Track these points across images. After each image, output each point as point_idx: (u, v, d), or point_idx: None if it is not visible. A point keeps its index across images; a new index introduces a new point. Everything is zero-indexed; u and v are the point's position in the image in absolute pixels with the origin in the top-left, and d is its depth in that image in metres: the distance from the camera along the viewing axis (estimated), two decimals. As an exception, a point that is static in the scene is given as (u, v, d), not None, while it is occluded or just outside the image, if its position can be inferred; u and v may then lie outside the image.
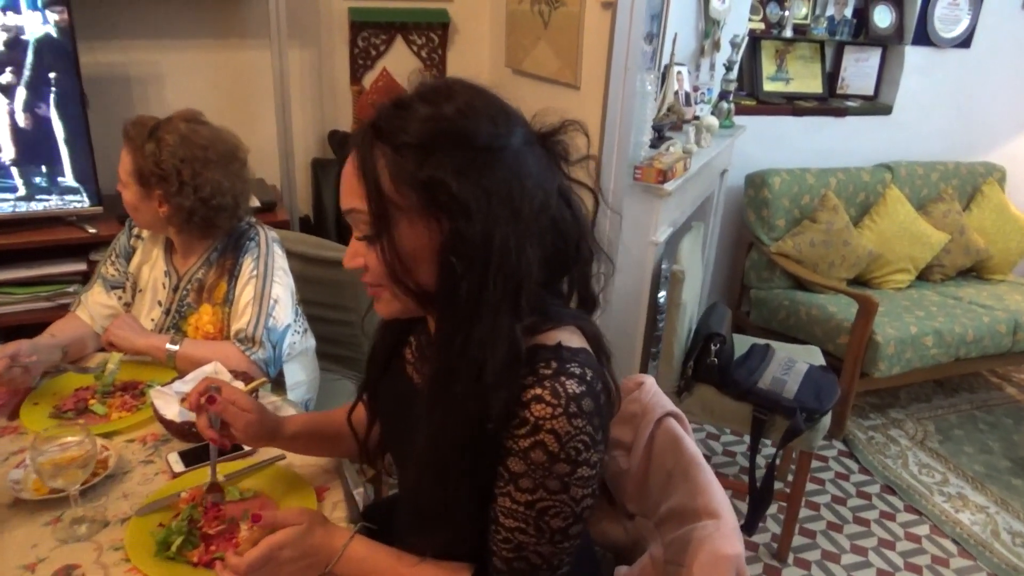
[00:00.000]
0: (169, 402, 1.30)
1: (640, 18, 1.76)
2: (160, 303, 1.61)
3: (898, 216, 3.25)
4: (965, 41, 3.47)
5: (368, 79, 2.61)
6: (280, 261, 1.58)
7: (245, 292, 1.52)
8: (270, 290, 1.53)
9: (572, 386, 0.82)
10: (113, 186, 1.57)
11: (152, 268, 1.63)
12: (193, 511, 1.08)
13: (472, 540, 0.92)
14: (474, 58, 2.70)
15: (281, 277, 1.57)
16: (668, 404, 1.31)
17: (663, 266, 2.31)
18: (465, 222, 0.80)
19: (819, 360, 2.41)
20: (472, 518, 0.91)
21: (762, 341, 2.35)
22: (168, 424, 1.27)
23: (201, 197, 1.46)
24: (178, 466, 1.21)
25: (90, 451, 1.06)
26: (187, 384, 1.36)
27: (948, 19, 3.40)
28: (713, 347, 2.08)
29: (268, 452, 1.24)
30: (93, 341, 1.58)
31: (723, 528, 1.04)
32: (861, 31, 3.37)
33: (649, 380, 1.36)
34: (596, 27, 1.87)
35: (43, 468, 1.04)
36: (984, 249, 3.39)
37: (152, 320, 1.60)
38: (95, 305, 1.62)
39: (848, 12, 3.34)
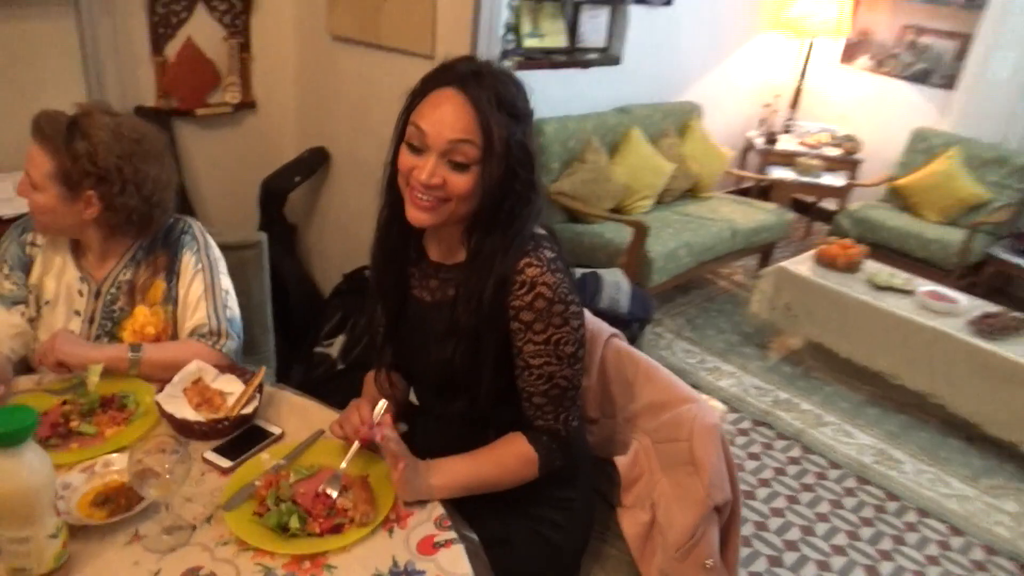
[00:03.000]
0: (180, 405, 1.30)
1: (502, -5, 1.99)
2: (78, 312, 1.49)
3: (639, 151, 3.89)
4: (669, 0, 4.18)
5: (171, 49, 2.43)
6: (217, 251, 1.57)
7: (193, 287, 1.50)
8: (220, 281, 1.53)
9: (547, 253, 1.21)
10: None
11: (59, 277, 1.49)
12: (278, 493, 1.15)
13: (487, 402, 1.26)
14: (278, 25, 2.64)
15: (223, 267, 1.56)
16: (608, 328, 1.63)
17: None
18: (530, 171, 1.20)
19: (624, 279, 2.91)
20: (490, 383, 1.24)
21: (588, 269, 2.78)
22: (187, 425, 1.27)
23: (144, 195, 1.40)
24: (224, 462, 1.23)
25: (187, 463, 1.07)
26: (176, 387, 1.35)
27: (656, -18, 4.06)
28: (563, 279, 2.43)
29: (308, 431, 1.32)
30: (8, 365, 1.43)
31: (703, 407, 1.41)
32: (595, -8, 3.88)
33: (585, 310, 1.67)
34: (453, 2, 2.04)
35: (138, 478, 1.04)
36: (696, 173, 4.21)
37: (72, 332, 1.48)
38: (-2, 325, 1.45)
39: (582, -26, 3.83)
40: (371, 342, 1.46)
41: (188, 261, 1.51)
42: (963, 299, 3.20)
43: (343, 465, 1.20)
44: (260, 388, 1.37)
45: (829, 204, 5.13)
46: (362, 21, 2.33)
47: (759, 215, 4.04)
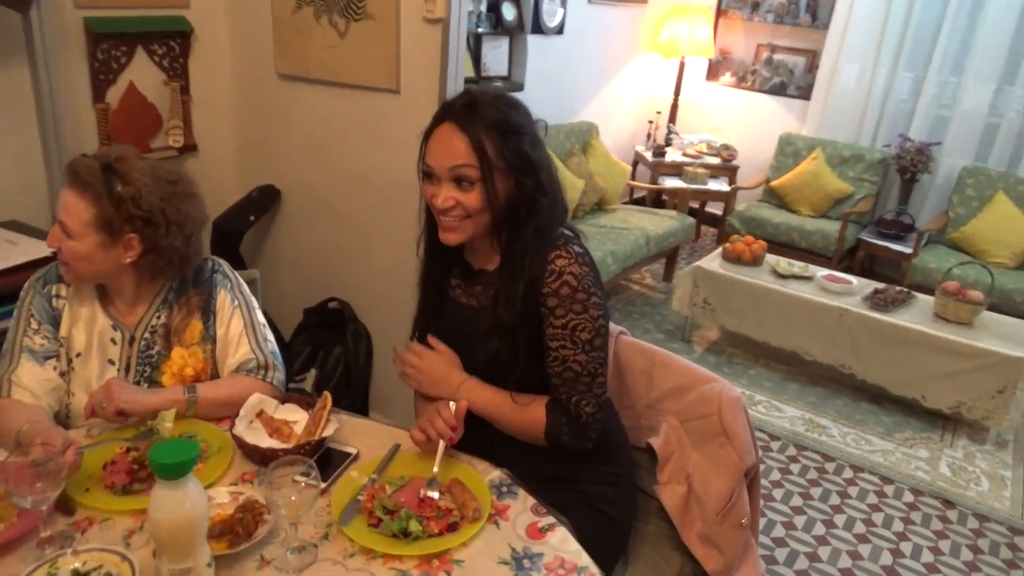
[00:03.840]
0: (260, 436, 1.33)
1: (464, 28, 2.11)
2: (112, 361, 1.47)
3: (553, 170, 4.11)
4: (561, 29, 4.46)
5: (113, 95, 2.37)
6: (247, 287, 1.58)
7: (233, 325, 1.51)
8: (256, 316, 1.55)
9: (575, 248, 1.36)
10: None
11: (88, 328, 1.46)
12: (386, 501, 1.21)
13: (520, 388, 1.40)
14: (217, 67, 2.63)
15: (256, 302, 1.58)
16: (616, 326, 1.78)
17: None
18: (534, 176, 1.32)
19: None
20: (524, 370, 1.37)
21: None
22: (272, 454, 1.29)
23: (185, 235, 1.42)
24: (320, 483, 1.27)
25: (317, 484, 1.11)
26: (244, 420, 1.38)
27: (550, 12, 4.32)
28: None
29: (378, 447, 1.38)
30: (55, 423, 1.39)
31: (723, 382, 1.59)
32: (497, 24, 4.08)
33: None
34: (418, 39, 2.14)
35: (275, 500, 1.07)
36: (602, 187, 4.48)
37: (123, 381, 1.45)
38: (35, 382, 1.40)
39: (483, 8, 4.02)
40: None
41: (224, 299, 1.52)
42: (855, 280, 3.63)
43: (436, 468, 1.28)
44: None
45: (713, 208, 5.59)
46: (314, 60, 2.38)
47: (666, 222, 4.36)
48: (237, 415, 1.37)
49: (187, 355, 1.49)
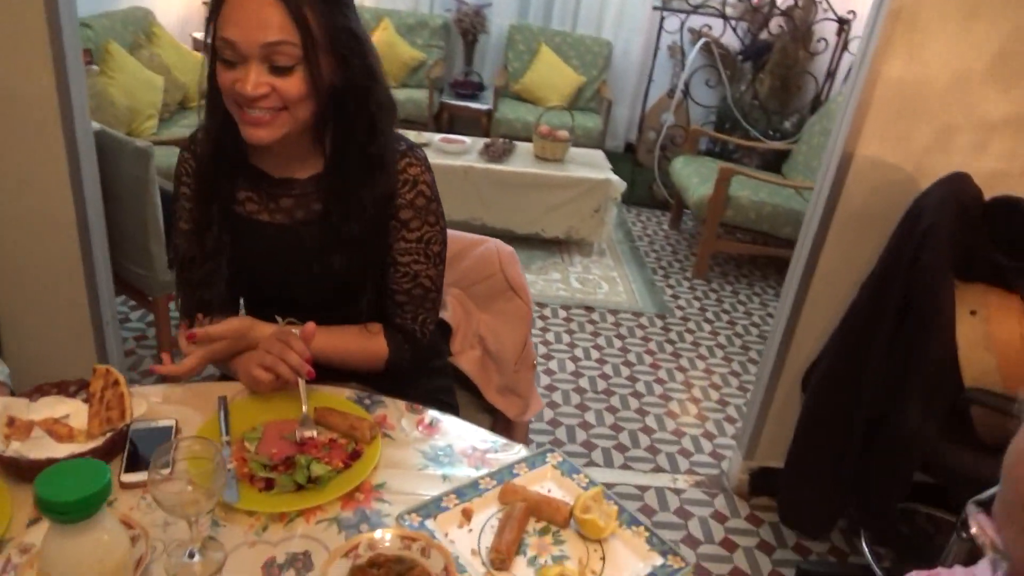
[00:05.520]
0: (47, 445, 0.99)
1: None
2: None
3: (127, 68, 3.47)
4: None
5: None
6: None
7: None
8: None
9: (420, 153, 1.24)
10: None
11: None
12: (261, 459, 1.03)
13: (370, 310, 1.26)
14: None
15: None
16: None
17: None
18: (361, 58, 1.12)
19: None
20: (374, 290, 1.25)
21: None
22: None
23: None
24: (163, 472, 1.00)
25: (223, 468, 0.87)
26: (-2, 437, 1.00)
27: None
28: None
29: (199, 406, 1.13)
30: None
31: (496, 240, 1.66)
32: None
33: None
34: None
35: (169, 500, 0.83)
36: (184, 83, 3.94)
37: None
38: None
39: None
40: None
41: None
42: (467, 139, 3.92)
43: (305, 407, 1.11)
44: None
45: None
46: None
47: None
48: (-17, 435, 0.98)
49: None
